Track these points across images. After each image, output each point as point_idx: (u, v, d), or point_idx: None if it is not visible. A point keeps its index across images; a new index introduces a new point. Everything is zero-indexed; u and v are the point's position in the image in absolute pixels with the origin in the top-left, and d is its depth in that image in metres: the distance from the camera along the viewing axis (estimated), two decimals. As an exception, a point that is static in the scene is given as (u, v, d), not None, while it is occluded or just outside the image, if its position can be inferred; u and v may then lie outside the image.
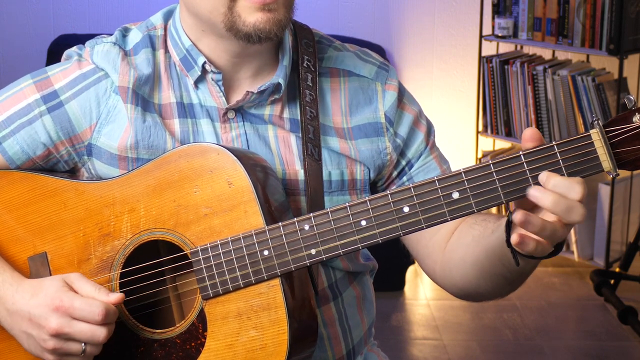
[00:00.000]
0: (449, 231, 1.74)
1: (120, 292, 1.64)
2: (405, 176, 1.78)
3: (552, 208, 1.40)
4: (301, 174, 1.71)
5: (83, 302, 1.57)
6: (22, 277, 1.65)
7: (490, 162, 1.44)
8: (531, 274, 1.62)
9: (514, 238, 1.42)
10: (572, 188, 1.39)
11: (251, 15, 1.60)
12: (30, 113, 1.71)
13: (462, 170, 1.46)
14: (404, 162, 1.78)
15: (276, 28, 1.62)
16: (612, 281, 4.19)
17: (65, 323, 1.57)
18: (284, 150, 1.72)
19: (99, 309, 1.57)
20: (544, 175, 1.40)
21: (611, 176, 1.42)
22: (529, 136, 1.43)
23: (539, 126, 4.42)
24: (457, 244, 1.71)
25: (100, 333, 1.57)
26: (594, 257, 4.47)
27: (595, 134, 1.40)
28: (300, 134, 1.72)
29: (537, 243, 1.42)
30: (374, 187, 1.80)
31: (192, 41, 1.70)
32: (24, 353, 1.66)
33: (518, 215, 1.40)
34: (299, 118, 1.73)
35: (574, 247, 4.47)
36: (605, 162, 1.40)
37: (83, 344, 1.58)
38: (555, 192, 1.39)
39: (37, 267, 1.68)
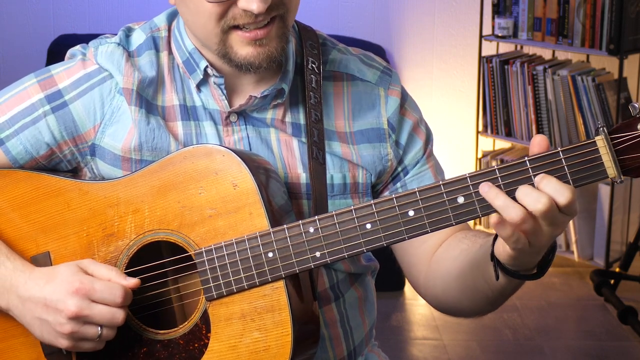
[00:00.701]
0: (437, 243, 1.74)
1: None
2: (399, 182, 1.78)
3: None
4: (303, 178, 1.71)
5: (103, 284, 1.58)
6: (32, 265, 1.65)
7: (496, 167, 1.44)
8: (511, 296, 1.62)
9: (493, 218, 1.43)
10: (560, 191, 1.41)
11: (242, 49, 1.62)
12: (34, 113, 1.70)
13: (467, 175, 1.46)
14: (399, 168, 1.78)
15: (266, 62, 1.63)
16: (612, 281, 4.19)
17: (84, 305, 1.57)
18: (286, 154, 1.72)
19: (120, 291, 1.58)
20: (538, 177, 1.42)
21: (616, 183, 1.42)
22: (537, 143, 1.44)
23: (539, 126, 4.42)
24: (444, 257, 1.71)
25: (119, 315, 1.58)
26: (594, 257, 4.47)
27: (601, 141, 1.41)
28: (302, 138, 1.72)
29: (515, 229, 1.42)
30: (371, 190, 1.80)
31: (194, 45, 1.71)
32: (24, 353, 1.67)
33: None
34: (301, 122, 1.73)
35: (574, 247, 4.47)
36: (610, 168, 1.41)
37: (99, 328, 1.58)
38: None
39: (40, 266, 1.68)
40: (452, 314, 1.78)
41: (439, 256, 1.72)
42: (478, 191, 1.45)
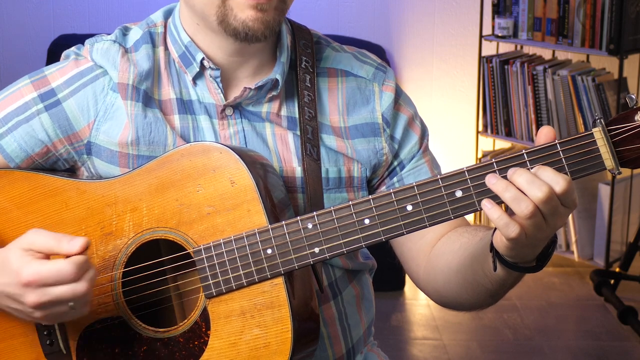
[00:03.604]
0: (436, 236, 1.75)
1: (123, 291, 1.64)
2: (395, 177, 1.78)
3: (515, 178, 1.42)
4: (298, 172, 1.71)
5: (49, 267, 1.51)
6: None
7: (494, 160, 1.44)
8: (512, 288, 1.61)
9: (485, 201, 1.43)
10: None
11: (242, 12, 1.62)
12: (27, 111, 1.71)
13: (465, 169, 1.46)
14: (395, 163, 1.78)
15: (263, 28, 1.63)
16: (612, 281, 4.19)
17: (41, 294, 1.51)
18: (282, 148, 1.72)
19: (68, 267, 1.51)
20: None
21: (614, 174, 1.42)
22: (544, 134, 1.44)
23: (539, 126, 4.42)
24: (444, 250, 1.71)
25: (80, 288, 1.51)
26: (594, 257, 4.47)
27: (598, 133, 1.41)
28: (297, 132, 1.73)
29: (521, 227, 1.42)
30: (367, 185, 1.80)
31: (190, 37, 1.71)
32: (24, 353, 1.66)
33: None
34: (296, 116, 1.73)
35: (574, 247, 4.47)
36: (608, 160, 1.41)
37: (69, 302, 1.54)
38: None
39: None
40: (454, 308, 1.77)
41: (439, 250, 1.72)
42: (476, 184, 1.45)
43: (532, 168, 1.42)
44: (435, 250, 1.73)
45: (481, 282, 1.60)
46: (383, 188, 1.79)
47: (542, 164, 1.42)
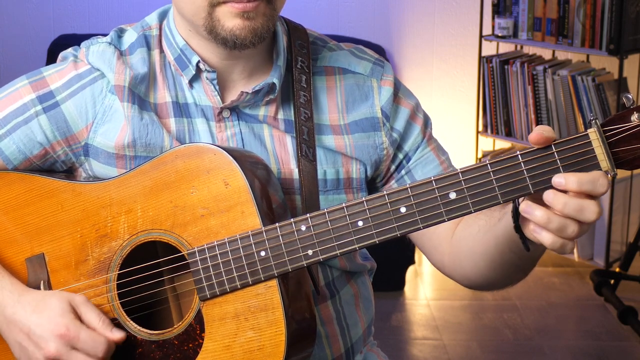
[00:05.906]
0: (455, 221, 1.73)
1: (118, 293, 1.64)
2: (403, 170, 1.78)
3: (562, 209, 1.40)
4: (296, 173, 1.71)
5: (88, 335, 1.58)
6: (22, 285, 1.65)
7: (488, 162, 1.43)
8: (539, 260, 1.61)
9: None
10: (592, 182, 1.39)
11: (230, 21, 1.62)
12: (26, 112, 1.71)
13: (459, 170, 1.45)
14: (401, 156, 1.78)
15: (251, 36, 1.63)
16: (612, 281, 4.18)
17: (64, 351, 1.58)
18: (279, 150, 1.72)
19: (103, 345, 1.58)
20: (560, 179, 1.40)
21: (609, 176, 1.40)
22: (535, 140, 1.42)
23: (539, 126, 4.42)
24: (464, 235, 1.70)
25: None
26: (594, 257, 4.47)
27: (593, 133, 1.40)
28: (294, 134, 1.72)
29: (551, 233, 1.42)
30: (372, 183, 1.79)
31: (185, 40, 1.71)
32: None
33: (523, 206, 1.41)
34: (293, 119, 1.73)
35: (574, 247, 4.46)
36: (603, 161, 1.39)
37: None
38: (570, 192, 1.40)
39: (34, 268, 1.68)
40: (485, 289, 1.77)
41: (459, 236, 1.71)
42: (470, 186, 1.44)
43: (528, 170, 1.41)
44: (456, 237, 1.72)
45: (510, 261, 1.59)
46: (392, 183, 1.78)
47: (538, 165, 1.41)
